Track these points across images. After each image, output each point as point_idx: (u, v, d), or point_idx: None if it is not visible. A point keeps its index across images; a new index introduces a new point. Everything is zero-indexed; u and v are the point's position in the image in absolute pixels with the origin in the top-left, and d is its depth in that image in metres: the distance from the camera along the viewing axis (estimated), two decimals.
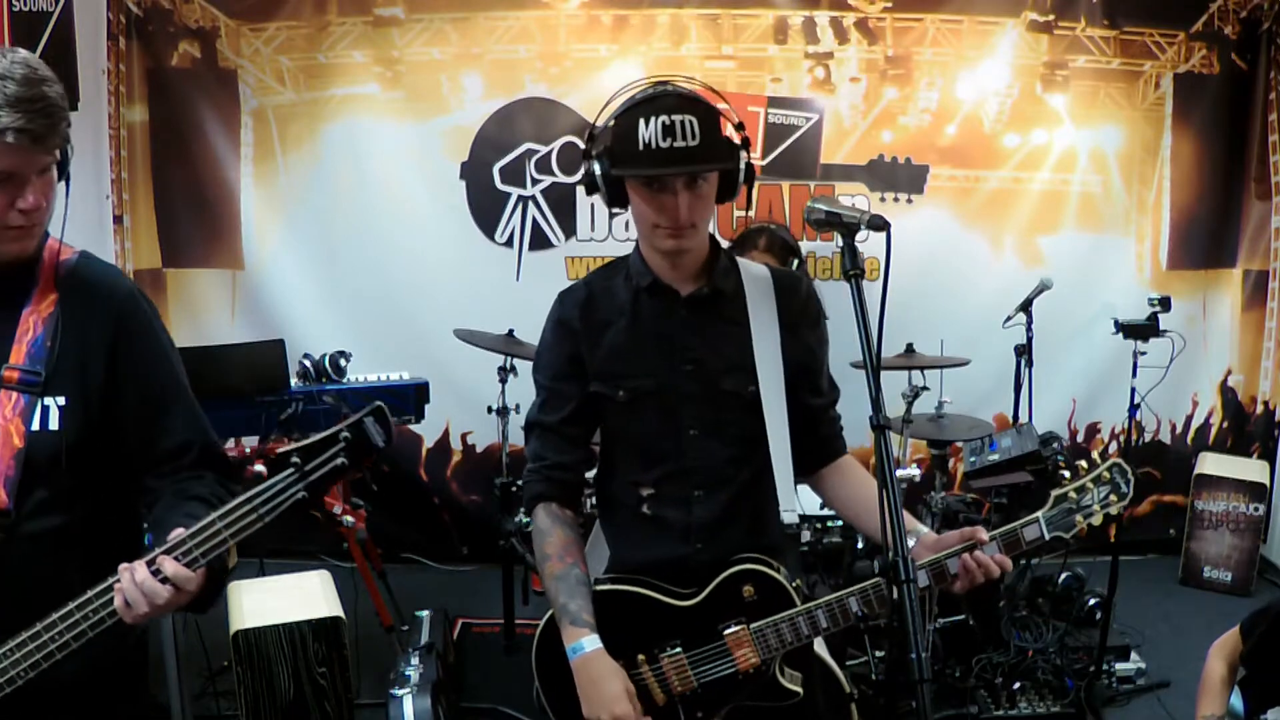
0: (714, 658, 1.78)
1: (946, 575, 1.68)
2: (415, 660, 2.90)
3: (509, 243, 4.46)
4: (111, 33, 4.19)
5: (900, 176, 4.42)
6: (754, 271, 1.88)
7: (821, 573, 3.17)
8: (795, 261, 3.27)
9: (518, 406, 3.50)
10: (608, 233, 4.42)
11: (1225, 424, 4.71)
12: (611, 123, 1.74)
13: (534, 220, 4.44)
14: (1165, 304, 3.40)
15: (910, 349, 3.62)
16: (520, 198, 4.43)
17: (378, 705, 3.02)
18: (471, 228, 4.44)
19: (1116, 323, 3.38)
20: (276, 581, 3.08)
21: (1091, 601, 3.81)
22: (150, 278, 4.41)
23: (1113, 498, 1.73)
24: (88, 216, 4.01)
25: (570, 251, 4.45)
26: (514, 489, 3.51)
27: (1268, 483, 4.42)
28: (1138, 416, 3.44)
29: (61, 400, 1.44)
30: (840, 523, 3.22)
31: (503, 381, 3.74)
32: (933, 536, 1.73)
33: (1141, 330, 3.34)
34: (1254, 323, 4.65)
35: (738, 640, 1.76)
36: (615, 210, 1.80)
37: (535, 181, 4.41)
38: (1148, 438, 4.67)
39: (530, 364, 2.03)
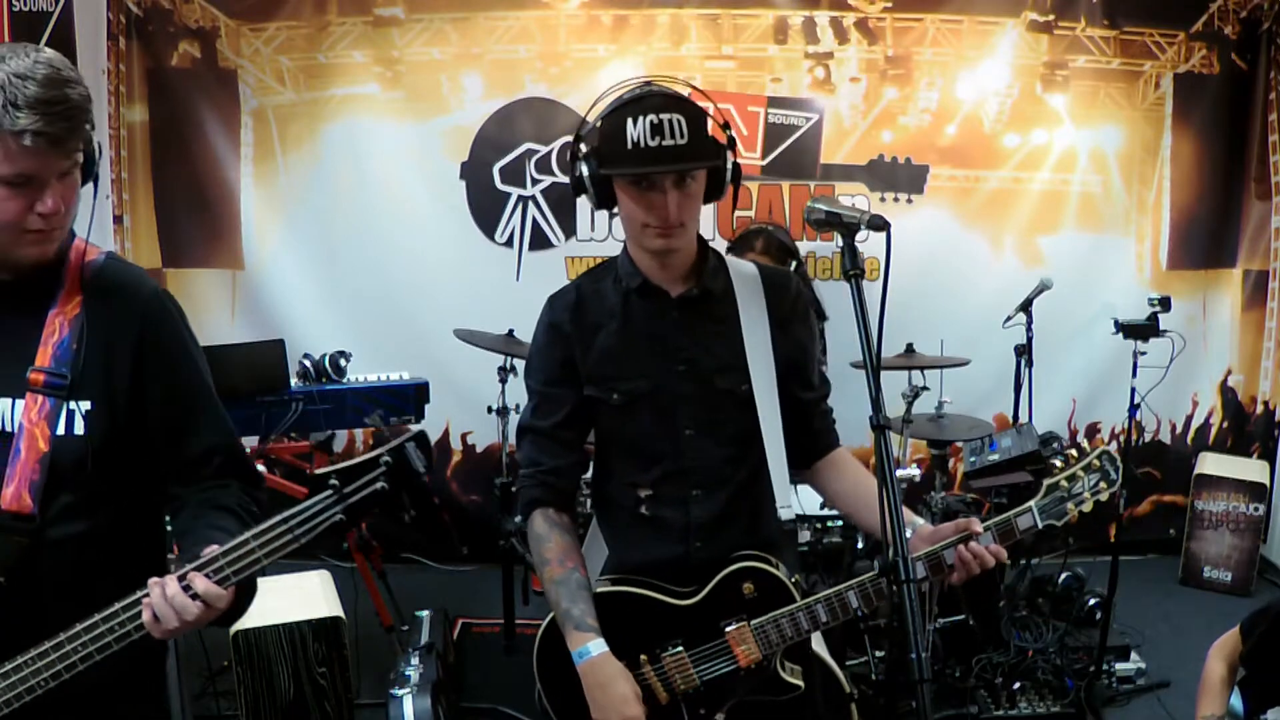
0: (715, 655, 1.79)
1: (943, 566, 1.69)
2: (415, 660, 2.90)
3: (509, 243, 4.46)
4: (111, 33, 4.19)
5: (900, 176, 4.43)
6: (742, 270, 1.89)
7: (821, 572, 3.17)
8: (793, 263, 3.27)
9: (517, 406, 3.50)
10: (608, 233, 4.42)
11: (1225, 424, 4.71)
12: (598, 124, 1.74)
13: (534, 220, 4.44)
14: (1165, 304, 3.40)
15: (910, 349, 3.62)
16: (520, 198, 4.43)
17: (378, 705, 3.02)
18: (471, 228, 4.44)
19: (1116, 323, 3.38)
20: (276, 581, 3.08)
21: (1091, 601, 3.81)
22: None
23: (1103, 484, 1.75)
24: (87, 216, 4.00)
25: (570, 251, 4.45)
26: (514, 489, 3.52)
27: (1268, 483, 4.42)
28: (1138, 416, 3.44)
29: (87, 404, 1.42)
30: (840, 523, 3.22)
31: (503, 381, 3.75)
32: (928, 528, 1.74)
33: (1141, 330, 3.34)
34: (1254, 323, 4.65)
35: (739, 637, 1.77)
36: (615, 211, 1.80)
37: (535, 181, 4.42)
38: (1148, 438, 4.67)
39: None
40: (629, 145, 1.66)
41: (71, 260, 1.46)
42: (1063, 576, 3.93)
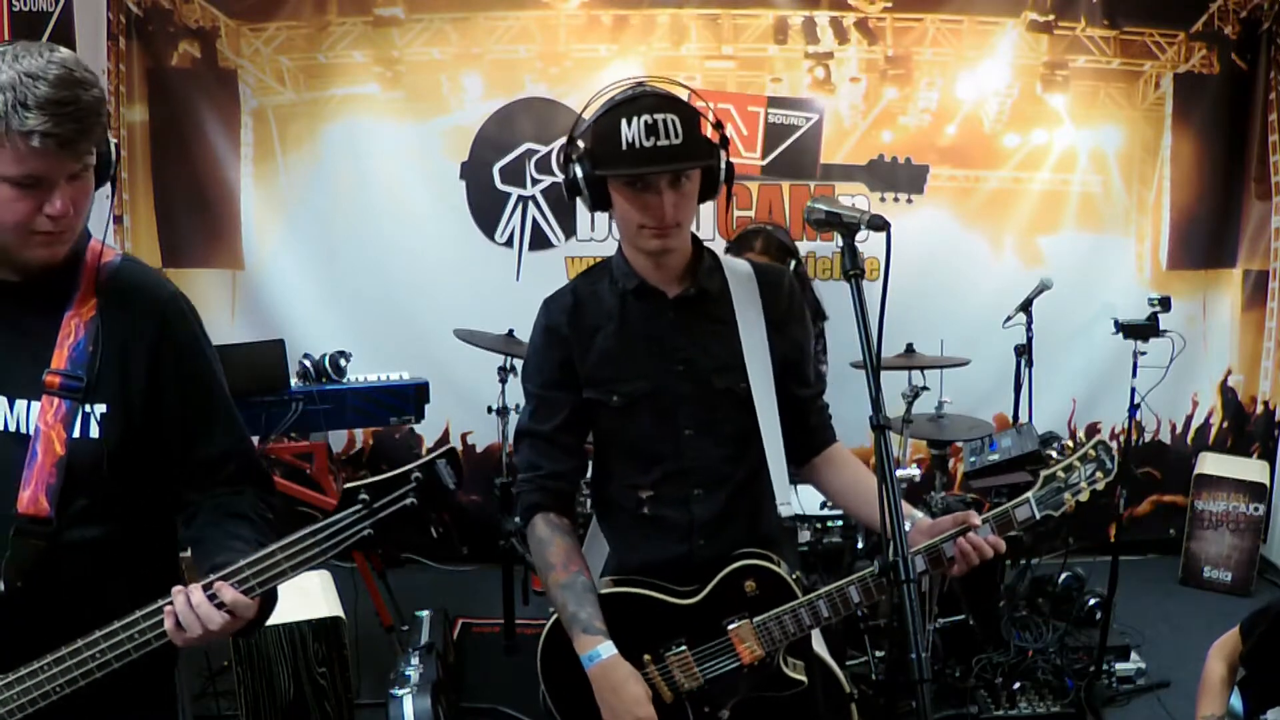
0: (719, 653, 1.80)
1: (943, 559, 1.71)
2: (415, 660, 2.90)
3: (509, 243, 4.46)
4: (111, 33, 4.19)
5: (900, 176, 4.42)
6: (738, 269, 1.89)
7: (822, 572, 3.17)
8: (793, 263, 3.27)
9: (517, 406, 3.48)
10: (608, 233, 4.43)
11: (1225, 424, 4.71)
12: (590, 125, 1.73)
13: (534, 220, 4.44)
14: (1165, 304, 3.40)
15: (910, 349, 3.62)
16: (520, 198, 4.43)
17: (378, 705, 3.02)
18: (471, 228, 4.44)
19: (1116, 323, 3.38)
20: None
21: (1091, 601, 3.81)
22: None
23: (1098, 474, 1.77)
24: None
25: (570, 251, 4.45)
26: (513, 490, 3.51)
27: (1268, 483, 4.42)
28: (1138, 416, 3.43)
29: (103, 407, 1.41)
30: (840, 523, 3.22)
31: (503, 381, 3.75)
32: (927, 522, 1.75)
33: (1141, 330, 3.34)
34: (1254, 323, 4.65)
35: (741, 634, 1.78)
36: (610, 211, 1.80)
37: (535, 181, 4.42)
38: (1148, 438, 4.67)
39: None
40: (623, 146, 1.66)
41: (87, 262, 1.45)
42: (1063, 576, 3.94)
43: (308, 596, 3.00)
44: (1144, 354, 3.36)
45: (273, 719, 2.85)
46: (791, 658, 1.83)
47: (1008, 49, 4.36)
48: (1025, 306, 3.76)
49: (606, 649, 1.74)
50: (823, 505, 3.21)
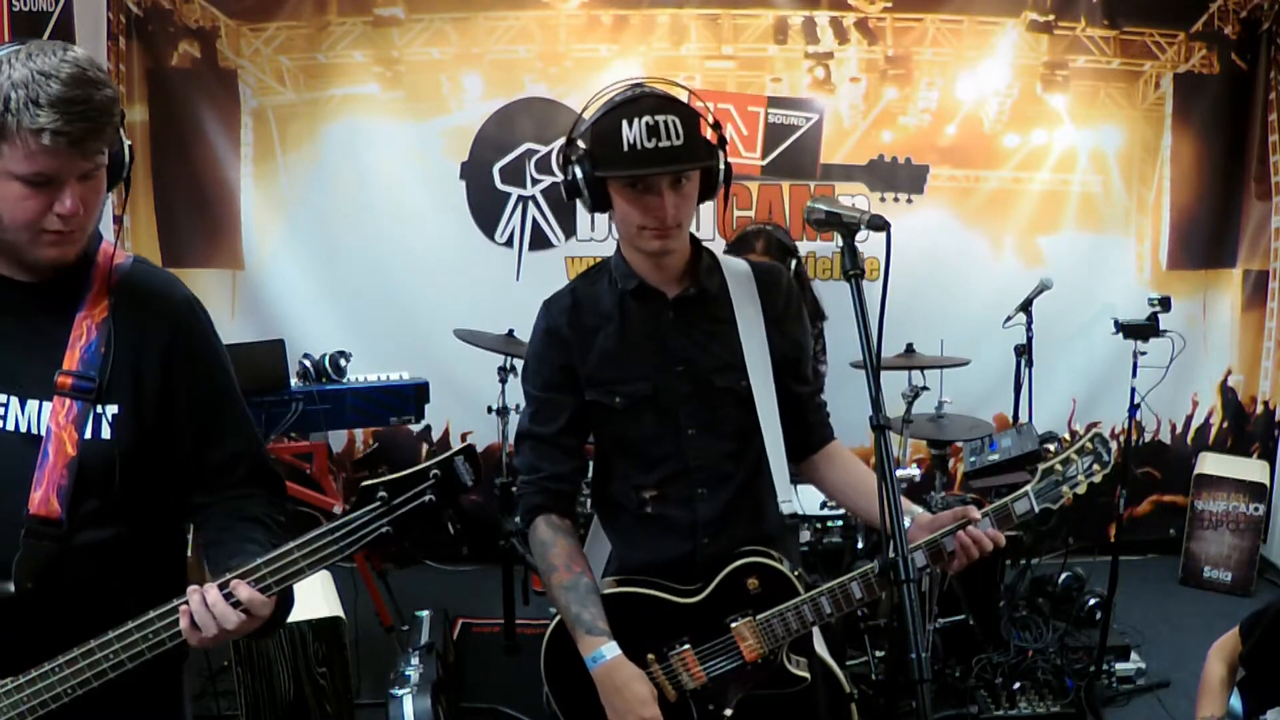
0: (722, 651, 1.80)
1: (943, 554, 1.71)
2: (415, 660, 2.90)
3: (509, 243, 4.46)
4: (111, 33, 4.19)
5: (900, 176, 4.42)
6: (736, 268, 1.90)
7: (822, 572, 3.17)
8: (793, 262, 3.28)
9: (517, 406, 3.47)
10: (608, 233, 4.42)
11: (1225, 424, 4.71)
12: (589, 126, 1.74)
13: (534, 220, 4.44)
14: (1165, 304, 3.40)
15: (910, 349, 3.62)
16: (520, 198, 4.43)
17: (378, 705, 3.02)
18: (471, 228, 4.44)
19: (1116, 323, 3.38)
20: None
21: (1091, 601, 3.81)
22: None
23: (1095, 466, 1.79)
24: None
25: (570, 251, 4.45)
26: (514, 490, 3.52)
27: (1268, 483, 4.42)
28: (1138, 416, 3.44)
29: (115, 409, 1.40)
30: (840, 522, 3.23)
31: (503, 381, 3.75)
32: (927, 517, 1.77)
33: (1141, 330, 3.34)
34: (1254, 323, 4.65)
35: (744, 632, 1.79)
36: (610, 212, 1.81)
37: (535, 181, 4.41)
38: (1148, 438, 4.67)
39: None
40: (624, 147, 1.66)
41: (99, 264, 1.44)
42: (1063, 576, 3.94)
43: (308, 596, 2.99)
44: (1144, 354, 3.36)
45: (273, 719, 2.84)
46: (794, 655, 1.84)
47: (1008, 49, 4.36)
48: (1025, 306, 3.75)
49: (610, 649, 1.75)
50: (823, 505, 3.21)
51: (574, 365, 1.84)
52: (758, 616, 1.78)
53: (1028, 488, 1.77)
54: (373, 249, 4.42)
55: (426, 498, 1.35)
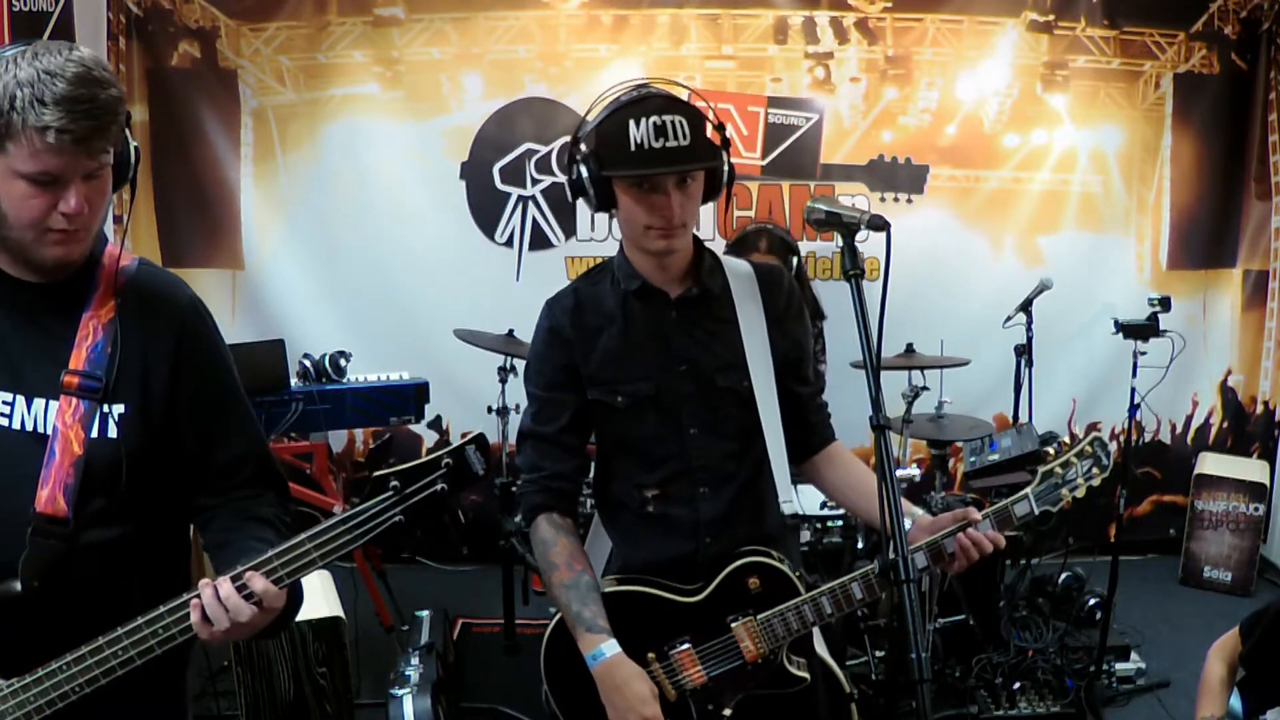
0: (723, 650, 1.81)
1: (944, 555, 1.72)
2: (415, 660, 2.90)
3: (509, 243, 4.46)
4: (111, 33, 4.19)
5: (900, 176, 4.42)
6: (738, 269, 1.91)
7: (822, 572, 3.17)
8: (795, 260, 3.28)
9: (518, 406, 3.51)
10: (608, 233, 4.42)
11: (1225, 424, 4.71)
12: (595, 126, 1.74)
13: (534, 220, 4.44)
14: (1165, 304, 3.40)
15: (910, 349, 3.62)
16: (520, 198, 4.43)
17: (378, 705, 3.02)
18: (471, 228, 4.44)
19: (1116, 323, 3.38)
20: None
21: (1091, 601, 3.81)
22: None
23: (1095, 470, 1.80)
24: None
25: (570, 251, 4.45)
26: (514, 489, 3.52)
27: (1268, 483, 4.42)
28: (1138, 416, 3.44)
29: (121, 408, 1.41)
30: (840, 523, 3.23)
31: (503, 381, 3.75)
32: (928, 519, 1.77)
33: (1141, 330, 3.34)
34: (1254, 323, 4.65)
35: (745, 632, 1.79)
36: (614, 213, 1.81)
37: (535, 181, 4.41)
38: (1148, 438, 4.67)
39: None
40: (632, 147, 1.67)
41: (104, 265, 1.45)
42: (1063, 576, 3.94)
43: (308, 596, 2.99)
44: (1144, 354, 3.36)
45: (273, 719, 2.84)
46: (794, 655, 1.84)
47: (1008, 49, 4.36)
48: (1025, 306, 3.75)
49: (610, 647, 1.75)
50: (823, 505, 3.21)
51: (576, 365, 1.84)
52: (758, 616, 1.79)
53: (1027, 490, 1.78)
54: (373, 249, 4.42)
55: (438, 486, 1.35)
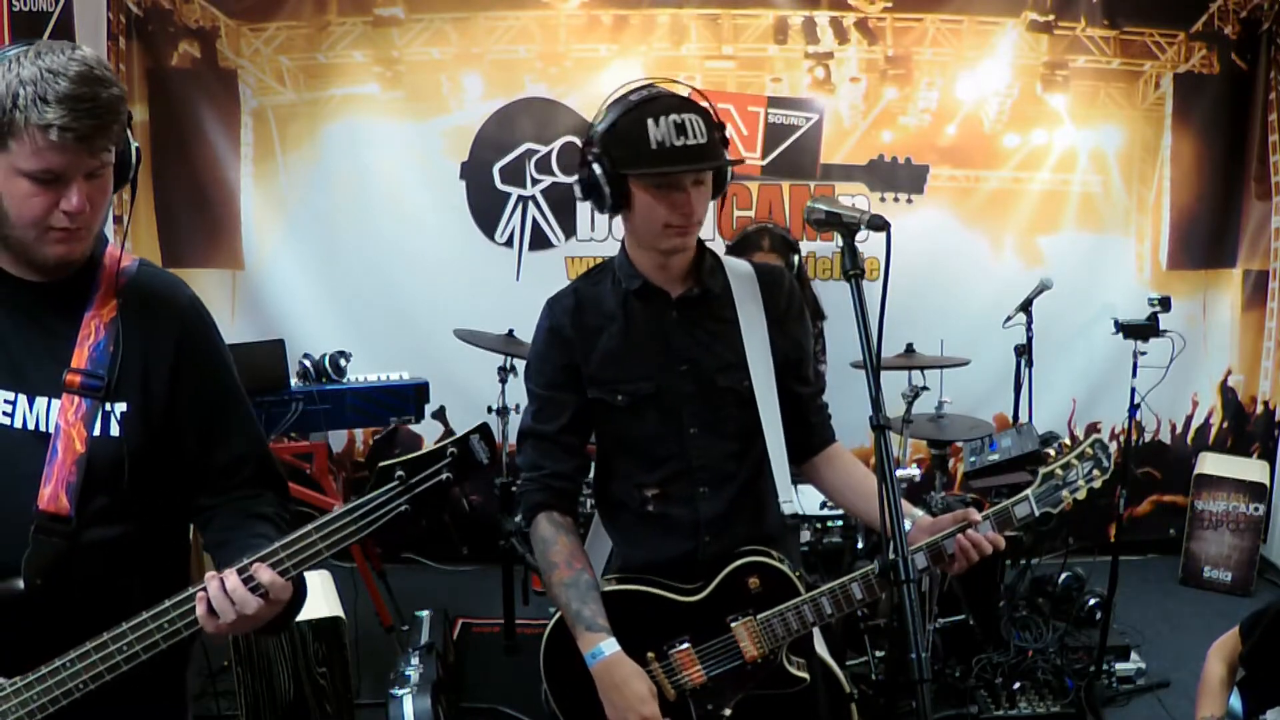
0: (722, 650, 1.81)
1: (944, 556, 1.72)
2: (415, 660, 2.90)
3: (509, 243, 4.46)
4: (111, 33, 4.19)
5: (900, 176, 4.42)
6: (738, 269, 1.91)
7: (822, 572, 3.17)
8: (796, 259, 3.28)
9: (518, 406, 3.50)
10: (608, 233, 4.42)
11: (1225, 424, 4.71)
12: (609, 126, 1.74)
13: (534, 220, 4.44)
14: (1165, 304, 3.40)
15: (910, 349, 3.62)
16: (520, 198, 4.43)
17: (378, 705, 3.02)
18: (471, 228, 4.44)
19: (1116, 323, 3.38)
20: None
21: (1091, 601, 3.81)
22: None
23: (1095, 472, 1.80)
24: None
25: (570, 251, 4.45)
26: (514, 489, 3.52)
27: (1268, 483, 4.42)
28: (1138, 416, 3.44)
29: (123, 407, 1.41)
30: (840, 523, 3.23)
31: (503, 381, 3.75)
32: (928, 520, 1.77)
33: (1141, 330, 3.34)
34: (1254, 323, 4.65)
35: (744, 631, 1.79)
36: (624, 213, 1.80)
37: (535, 181, 4.41)
38: (1148, 438, 4.67)
39: None
40: (653, 145, 1.68)
41: (105, 265, 1.45)
42: (1063, 576, 3.94)
43: (308, 596, 2.99)
44: (1144, 354, 3.36)
45: (273, 719, 2.84)
46: (794, 656, 1.84)
47: (1008, 49, 4.36)
48: (1025, 306, 3.75)
49: (609, 646, 1.75)
50: (823, 505, 3.21)
51: (577, 364, 1.84)
52: (758, 616, 1.79)
53: (1028, 491, 1.78)
54: (373, 249, 4.42)
55: (444, 475, 1.36)
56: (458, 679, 3.44)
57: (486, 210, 4.43)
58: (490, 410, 3.81)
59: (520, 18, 4.31)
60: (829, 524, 3.23)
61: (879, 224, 1.51)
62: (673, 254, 1.81)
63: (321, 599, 2.99)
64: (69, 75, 1.26)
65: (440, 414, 4.45)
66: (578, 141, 4.31)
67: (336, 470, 4.44)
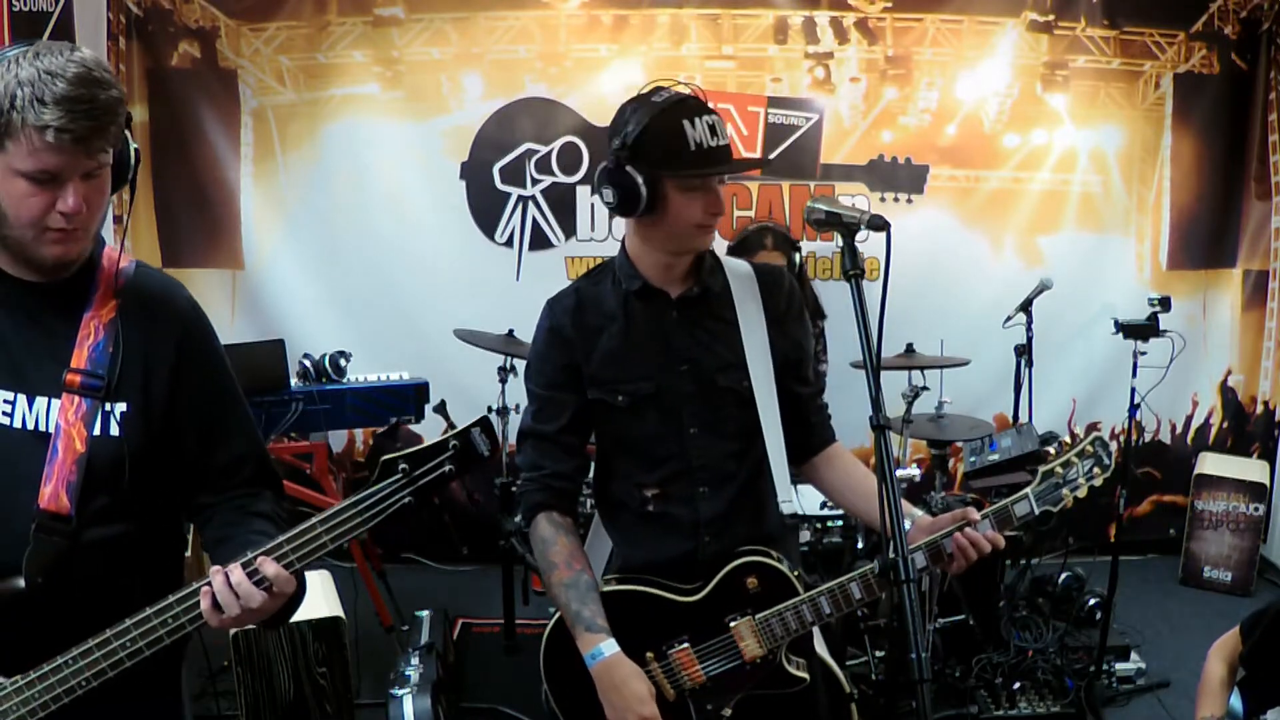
0: (721, 650, 1.81)
1: (943, 555, 1.72)
2: (415, 660, 2.90)
3: (509, 243, 4.46)
4: (111, 33, 4.19)
5: (900, 176, 4.42)
6: (738, 269, 1.92)
7: (822, 572, 3.17)
8: (798, 257, 3.29)
9: (518, 406, 3.50)
10: (608, 233, 4.42)
11: (1225, 424, 4.71)
12: (642, 127, 1.72)
13: (534, 220, 4.44)
14: (1165, 304, 3.40)
15: (910, 349, 3.62)
16: (520, 198, 4.43)
17: (378, 705, 3.02)
18: (471, 228, 4.44)
19: (1116, 323, 3.38)
20: None
21: (1091, 601, 3.81)
22: None
23: (1096, 470, 1.79)
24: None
25: (570, 251, 4.45)
26: (514, 489, 3.52)
27: (1268, 483, 4.42)
28: (1138, 416, 3.44)
29: (123, 407, 1.42)
30: (840, 523, 3.23)
31: (503, 381, 3.75)
32: (927, 520, 1.77)
33: (1141, 330, 3.34)
34: (1254, 323, 4.65)
35: (743, 631, 1.79)
36: (647, 214, 1.80)
37: (535, 181, 4.41)
38: (1148, 438, 4.67)
39: None
40: (692, 146, 1.70)
41: (104, 266, 1.46)
42: (1063, 576, 3.94)
43: (308, 596, 2.99)
44: (1144, 354, 3.36)
45: (273, 719, 2.84)
46: (794, 655, 1.84)
47: (1008, 49, 4.36)
48: (1025, 306, 3.76)
49: (609, 647, 1.75)
50: (823, 505, 3.22)
51: (577, 364, 1.85)
52: (757, 616, 1.79)
53: (1028, 490, 1.77)
54: (373, 249, 4.42)
55: (446, 468, 1.38)
56: (458, 679, 3.44)
57: (486, 210, 4.43)
58: (490, 410, 3.81)
59: (520, 18, 4.31)
60: (829, 524, 3.23)
61: (879, 224, 1.51)
62: (693, 253, 1.83)
63: (321, 599, 2.99)
64: (66, 77, 1.27)
65: (441, 408, 4.44)
66: (578, 141, 4.35)
67: (336, 470, 4.44)
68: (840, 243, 1.57)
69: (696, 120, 1.70)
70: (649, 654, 1.81)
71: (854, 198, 4.40)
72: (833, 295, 3.74)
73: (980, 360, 3.82)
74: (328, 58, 4.33)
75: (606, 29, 4.32)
